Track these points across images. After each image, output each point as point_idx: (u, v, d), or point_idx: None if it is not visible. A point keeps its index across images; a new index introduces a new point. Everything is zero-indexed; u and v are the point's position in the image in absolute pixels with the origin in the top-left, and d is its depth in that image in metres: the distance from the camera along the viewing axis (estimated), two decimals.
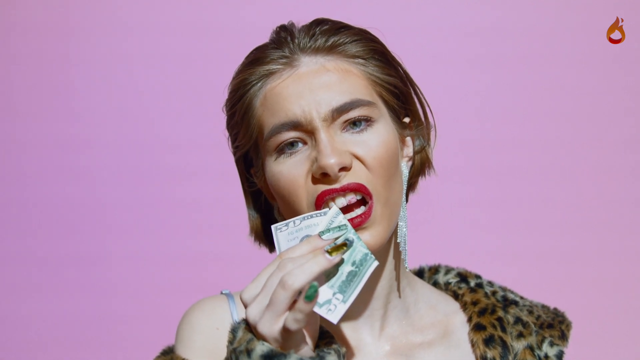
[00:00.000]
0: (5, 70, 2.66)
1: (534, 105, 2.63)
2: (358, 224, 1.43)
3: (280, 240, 1.40)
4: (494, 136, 2.64)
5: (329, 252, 1.34)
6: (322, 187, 1.43)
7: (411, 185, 1.58)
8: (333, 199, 1.43)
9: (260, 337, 1.32)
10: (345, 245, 1.36)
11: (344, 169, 1.43)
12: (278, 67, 1.48)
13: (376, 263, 1.36)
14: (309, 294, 1.29)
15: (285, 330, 1.31)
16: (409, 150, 1.55)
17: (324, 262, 1.33)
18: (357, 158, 1.45)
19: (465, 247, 2.62)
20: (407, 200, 1.56)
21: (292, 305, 1.31)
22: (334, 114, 1.44)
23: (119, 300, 2.64)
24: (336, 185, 1.43)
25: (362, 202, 1.45)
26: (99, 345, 2.64)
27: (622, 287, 2.62)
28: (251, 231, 1.60)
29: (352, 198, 1.44)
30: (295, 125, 1.45)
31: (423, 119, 1.57)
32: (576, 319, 2.56)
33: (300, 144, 1.46)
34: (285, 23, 1.55)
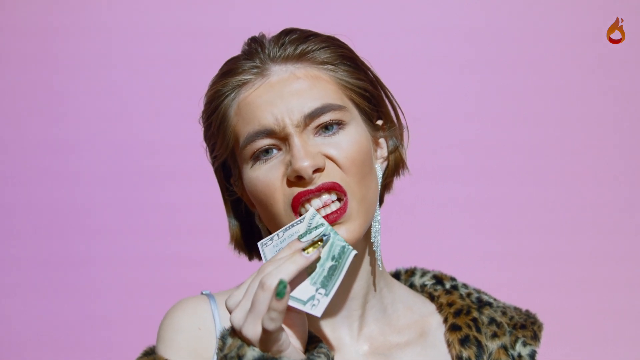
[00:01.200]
0: None
1: (531, 107, 2.64)
2: (334, 220, 1.46)
3: (267, 255, 1.44)
4: (486, 138, 2.65)
5: (305, 250, 1.38)
6: (297, 190, 1.47)
7: (386, 186, 1.62)
8: (308, 201, 1.47)
9: (247, 342, 1.36)
10: (321, 240, 1.40)
11: (318, 170, 1.47)
12: (250, 77, 1.52)
13: (354, 252, 1.41)
14: (279, 290, 1.33)
15: (264, 332, 1.34)
16: (383, 152, 1.59)
17: (301, 260, 1.37)
18: (330, 159, 1.48)
19: (453, 248, 2.63)
20: (382, 201, 1.60)
21: None
22: (306, 120, 1.48)
23: (101, 302, 2.64)
24: (311, 187, 1.46)
25: (339, 200, 1.48)
26: (81, 346, 2.64)
27: (613, 289, 2.63)
28: (231, 239, 1.64)
29: (327, 199, 1.47)
30: (268, 133, 1.49)
31: (395, 120, 1.61)
32: (567, 320, 2.59)
33: (275, 151, 1.49)
34: (256, 35, 1.58)
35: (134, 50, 2.66)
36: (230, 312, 1.38)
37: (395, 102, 1.61)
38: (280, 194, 1.48)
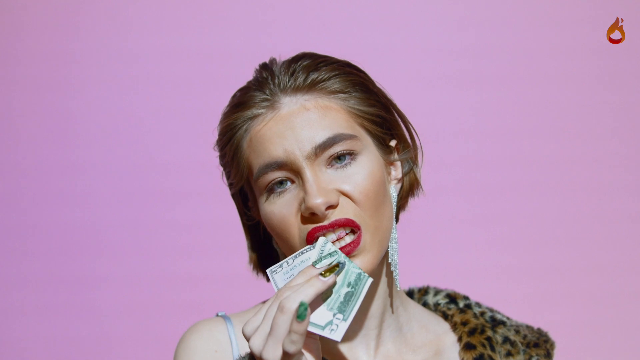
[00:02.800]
0: (2, 93, 2.66)
1: (531, 115, 2.63)
2: (347, 253, 1.47)
3: (277, 281, 1.46)
4: (487, 152, 2.65)
5: (322, 275, 1.40)
6: (312, 226, 1.48)
7: (401, 206, 1.62)
8: (324, 235, 1.48)
9: None
10: (338, 266, 1.42)
11: (331, 207, 1.47)
12: (261, 111, 1.52)
13: (371, 280, 1.43)
14: (300, 313, 1.35)
15: (285, 355, 1.36)
16: (397, 173, 1.59)
17: (319, 284, 1.38)
18: (344, 194, 1.49)
19: (456, 264, 2.63)
20: (397, 220, 1.61)
21: None
22: (317, 151, 1.48)
23: (114, 322, 2.64)
24: (325, 223, 1.47)
25: (353, 232, 1.49)
26: None
27: (612, 302, 2.64)
28: (250, 261, 1.65)
29: (341, 232, 1.48)
30: (279, 165, 1.49)
31: (410, 141, 1.61)
32: (577, 333, 2.59)
33: (288, 183, 1.50)
34: (267, 61, 1.58)
35: (146, 71, 2.66)
36: (247, 339, 1.39)
37: (410, 124, 1.61)
38: (295, 229, 1.49)
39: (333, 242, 1.47)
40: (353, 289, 1.41)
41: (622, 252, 2.63)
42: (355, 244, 1.48)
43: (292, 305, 1.35)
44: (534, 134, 2.64)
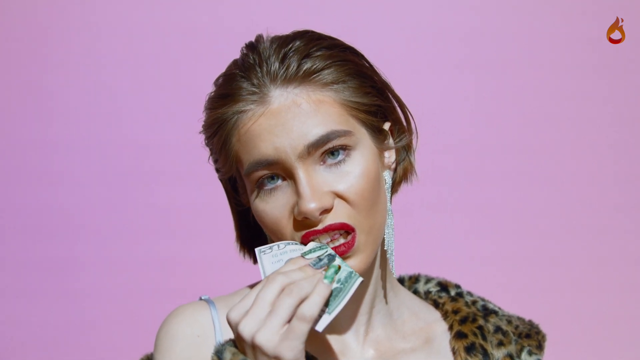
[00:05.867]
0: None
1: (527, 108, 2.65)
2: (341, 253, 1.43)
3: (265, 263, 1.42)
4: (481, 140, 2.65)
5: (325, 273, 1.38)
6: (305, 230, 1.43)
7: (394, 191, 1.58)
8: (317, 238, 1.44)
9: (257, 352, 1.33)
10: (339, 268, 1.40)
11: (325, 211, 1.43)
12: (250, 106, 1.44)
13: (360, 279, 1.39)
14: (329, 274, 1.34)
15: (299, 319, 1.32)
16: (391, 159, 1.54)
17: (325, 289, 1.35)
18: (338, 195, 1.44)
19: (448, 252, 2.63)
20: (391, 203, 1.56)
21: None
22: (310, 149, 1.42)
23: (93, 306, 2.61)
24: (318, 227, 1.43)
25: (347, 232, 1.45)
26: (72, 352, 2.60)
27: (607, 292, 2.65)
28: (237, 241, 1.60)
29: (335, 234, 1.44)
30: (270, 164, 1.43)
31: (405, 125, 1.56)
32: (561, 323, 2.59)
33: (280, 180, 1.44)
34: (253, 40, 1.51)
35: (124, 49, 2.62)
36: (234, 324, 1.34)
37: (407, 108, 1.56)
38: (288, 232, 1.45)
39: (327, 243, 1.43)
40: (342, 286, 1.38)
41: (605, 241, 2.64)
42: (349, 245, 1.43)
43: (302, 291, 1.33)
44: (522, 122, 2.65)
